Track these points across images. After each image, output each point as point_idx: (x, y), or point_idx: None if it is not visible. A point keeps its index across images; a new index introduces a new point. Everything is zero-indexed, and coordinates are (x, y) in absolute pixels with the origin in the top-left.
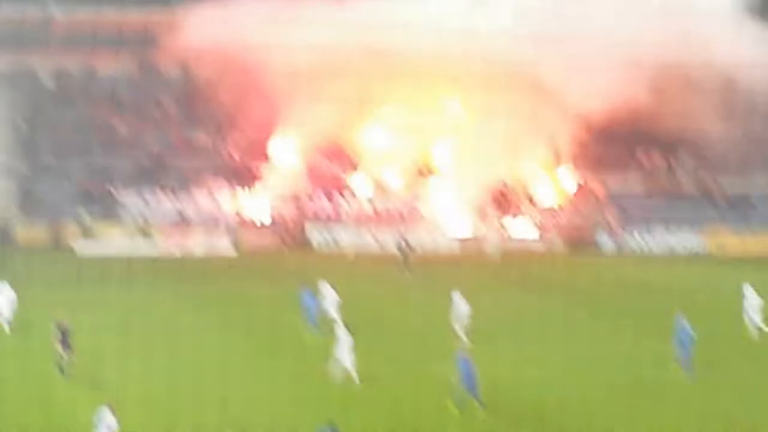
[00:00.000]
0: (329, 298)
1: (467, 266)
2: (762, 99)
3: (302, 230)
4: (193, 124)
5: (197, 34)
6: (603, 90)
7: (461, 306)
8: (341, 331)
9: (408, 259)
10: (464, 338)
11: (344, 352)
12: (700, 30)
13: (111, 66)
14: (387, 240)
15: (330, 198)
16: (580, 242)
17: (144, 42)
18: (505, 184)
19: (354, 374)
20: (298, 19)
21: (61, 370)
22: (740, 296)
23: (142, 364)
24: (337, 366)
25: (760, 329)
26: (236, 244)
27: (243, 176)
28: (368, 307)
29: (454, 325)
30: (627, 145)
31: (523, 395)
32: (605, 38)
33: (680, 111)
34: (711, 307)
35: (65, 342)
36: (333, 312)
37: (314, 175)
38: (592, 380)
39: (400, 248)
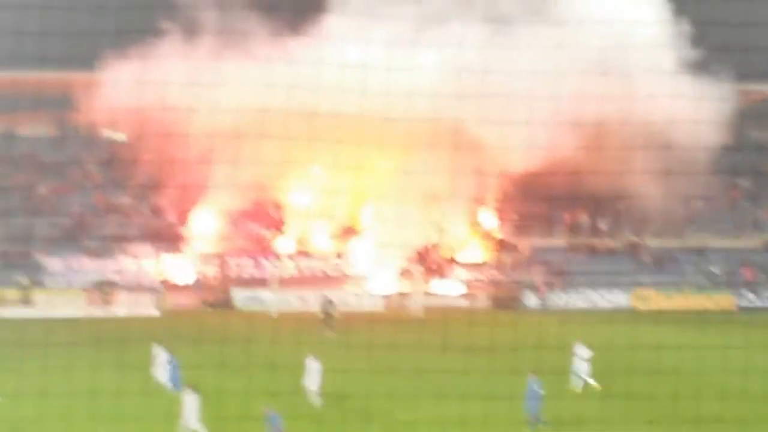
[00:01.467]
0: None
1: (390, 324)
2: (698, 156)
3: (226, 291)
4: (115, 186)
5: (116, 95)
6: (528, 147)
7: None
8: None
9: (332, 319)
10: None
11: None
12: (633, 88)
13: (31, 127)
14: (311, 300)
15: (254, 259)
16: (505, 300)
17: (64, 103)
18: (429, 243)
19: None
20: (219, 80)
21: None
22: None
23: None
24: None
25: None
26: (160, 305)
27: (166, 238)
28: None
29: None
30: (553, 203)
31: None
32: (531, 95)
33: (609, 169)
34: (628, 362)
35: None
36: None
37: (238, 236)
38: None
39: (323, 307)
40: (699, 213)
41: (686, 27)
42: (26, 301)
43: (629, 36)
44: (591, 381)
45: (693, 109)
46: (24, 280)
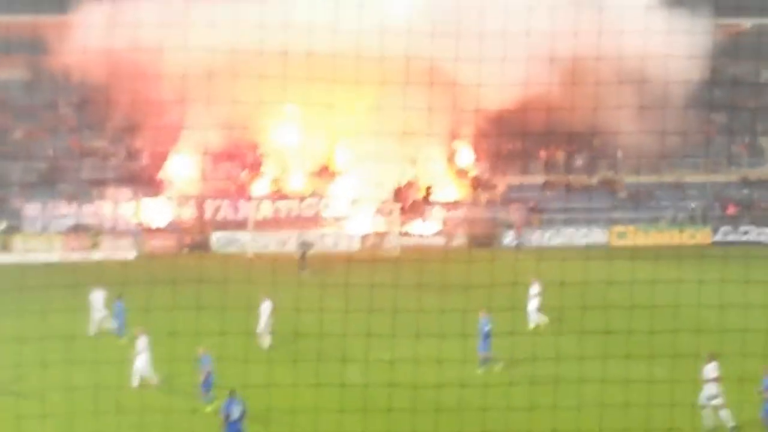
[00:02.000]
0: None
1: (366, 264)
2: (673, 91)
3: (203, 234)
4: (90, 130)
5: (88, 38)
6: (503, 84)
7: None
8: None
9: (305, 258)
10: None
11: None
12: (611, 22)
13: (3, 72)
14: (288, 241)
15: (231, 200)
16: (481, 238)
17: (35, 46)
18: (406, 182)
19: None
20: (191, 20)
21: None
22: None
23: (40, 373)
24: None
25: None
26: (136, 248)
27: (143, 181)
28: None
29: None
30: (529, 140)
31: (421, 394)
32: (507, 31)
33: (584, 105)
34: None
35: None
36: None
37: (214, 177)
38: (489, 377)
39: (299, 248)
40: (674, 148)
41: None
42: (5, 247)
43: None
44: (541, 318)
45: (668, 43)
46: (2, 224)
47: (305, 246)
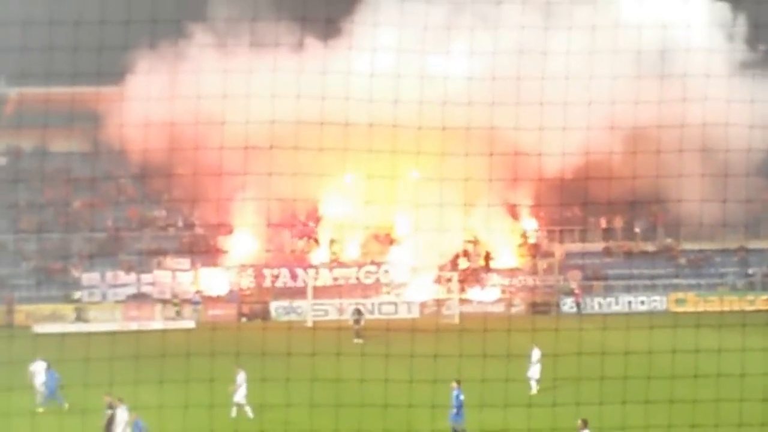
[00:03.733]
0: None
1: (426, 332)
2: (734, 158)
3: (262, 303)
4: (149, 200)
5: (146, 109)
6: (563, 152)
7: None
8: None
9: (360, 326)
10: None
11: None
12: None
13: (63, 143)
14: (347, 308)
15: (290, 269)
16: (540, 305)
17: (95, 118)
18: (465, 249)
19: None
20: (249, 91)
21: None
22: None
23: None
24: None
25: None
26: (195, 318)
27: (201, 250)
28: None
29: None
30: (589, 207)
31: None
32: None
33: (646, 173)
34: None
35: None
36: None
37: (273, 247)
38: None
39: (353, 316)
40: (735, 215)
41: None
42: (81, 318)
43: (675, 39)
44: (534, 384)
45: (730, 111)
46: (77, 295)
47: (358, 314)
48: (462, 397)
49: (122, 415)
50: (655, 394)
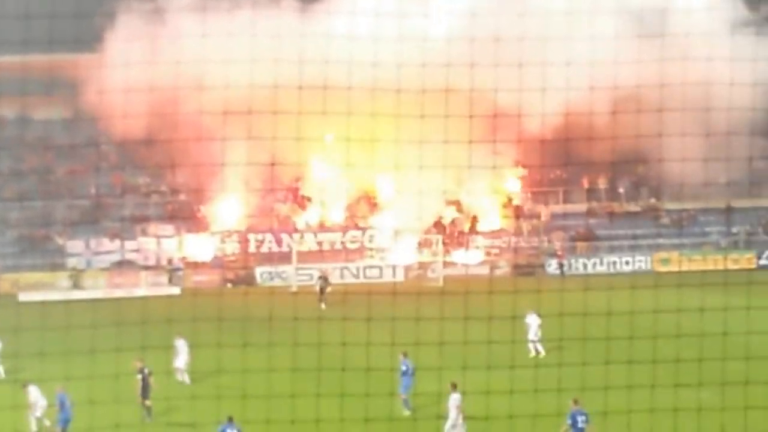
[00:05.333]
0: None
1: (410, 295)
2: (733, 118)
3: (247, 268)
4: (132, 167)
5: (127, 75)
6: (545, 113)
7: None
8: None
9: (324, 292)
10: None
11: None
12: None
13: (44, 111)
14: (332, 273)
15: (275, 235)
16: (525, 267)
17: (75, 85)
18: (448, 212)
19: None
20: (229, 57)
21: None
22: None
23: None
24: None
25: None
26: (180, 284)
27: (186, 217)
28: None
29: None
30: (572, 169)
31: (471, 427)
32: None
33: (628, 133)
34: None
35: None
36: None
37: (258, 212)
38: (539, 408)
39: (318, 282)
40: (717, 174)
41: None
42: (77, 285)
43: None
44: (539, 348)
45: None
46: (72, 263)
47: (324, 281)
48: (408, 367)
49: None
50: (638, 354)
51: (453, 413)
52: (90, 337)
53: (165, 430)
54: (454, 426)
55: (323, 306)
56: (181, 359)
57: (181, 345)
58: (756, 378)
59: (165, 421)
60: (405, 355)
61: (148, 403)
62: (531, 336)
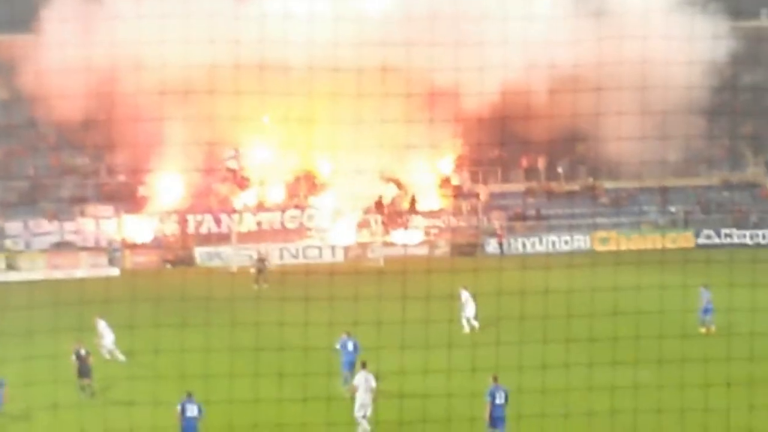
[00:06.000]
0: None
1: (350, 275)
2: (670, 98)
3: (187, 249)
4: (70, 148)
5: (63, 56)
6: (482, 92)
7: None
8: None
9: (263, 272)
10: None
11: None
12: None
13: None
14: (272, 253)
15: (213, 215)
16: (464, 247)
17: (11, 66)
18: (388, 192)
19: None
20: (165, 37)
21: None
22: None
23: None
24: None
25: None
26: (119, 265)
27: (124, 197)
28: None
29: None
30: (510, 147)
31: (408, 405)
32: (483, 39)
33: (565, 112)
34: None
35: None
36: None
37: (196, 193)
38: (477, 387)
39: (256, 263)
40: (655, 153)
41: None
42: (12, 266)
43: None
44: (473, 323)
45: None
46: (7, 244)
47: (261, 262)
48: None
49: None
50: (576, 332)
51: (361, 392)
52: (27, 318)
53: (104, 410)
54: (362, 406)
55: (262, 286)
56: (108, 339)
57: (103, 326)
58: (691, 356)
59: (103, 400)
60: (348, 334)
61: (86, 381)
62: (466, 313)
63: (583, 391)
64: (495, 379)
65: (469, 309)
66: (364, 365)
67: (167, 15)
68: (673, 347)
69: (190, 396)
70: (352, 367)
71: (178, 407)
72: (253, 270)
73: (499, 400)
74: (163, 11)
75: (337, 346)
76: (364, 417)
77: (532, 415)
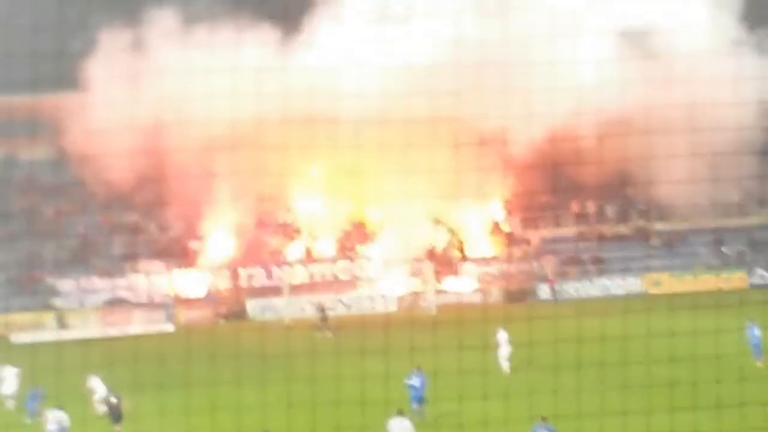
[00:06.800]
0: None
1: (403, 324)
2: (721, 139)
3: (239, 303)
4: (120, 205)
5: (109, 115)
6: (529, 139)
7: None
8: None
9: (327, 321)
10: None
11: None
12: (661, 71)
13: (29, 151)
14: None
15: (265, 269)
16: (516, 293)
17: (60, 125)
18: (438, 241)
19: None
20: (211, 93)
21: None
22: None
23: None
24: None
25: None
26: (173, 320)
27: (175, 253)
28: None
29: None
30: (561, 192)
31: None
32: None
33: (616, 156)
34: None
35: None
36: None
37: (247, 247)
38: None
39: (318, 311)
40: (706, 194)
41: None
42: (62, 325)
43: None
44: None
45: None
46: (59, 303)
47: (322, 311)
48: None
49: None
50: (633, 378)
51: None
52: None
53: None
54: None
55: (326, 335)
56: (100, 395)
57: (96, 382)
58: (751, 399)
59: None
60: (419, 368)
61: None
62: (501, 353)
63: None
64: (544, 419)
65: (503, 350)
66: (400, 412)
67: (214, 69)
68: (732, 391)
69: None
70: (420, 401)
71: None
72: (315, 319)
73: None
74: (209, 65)
75: (407, 381)
76: None
77: None
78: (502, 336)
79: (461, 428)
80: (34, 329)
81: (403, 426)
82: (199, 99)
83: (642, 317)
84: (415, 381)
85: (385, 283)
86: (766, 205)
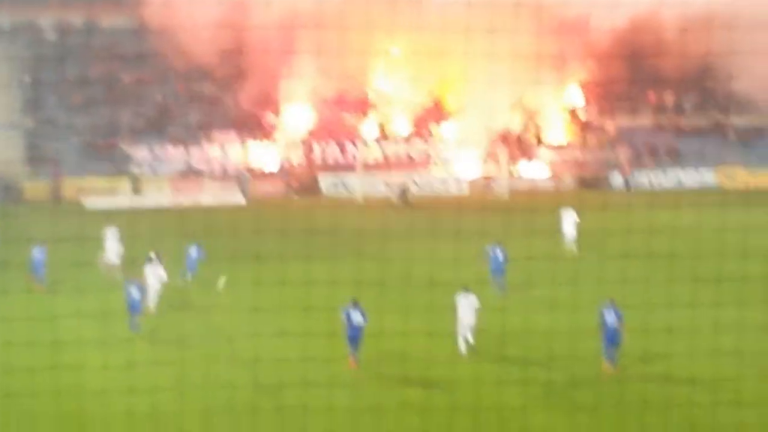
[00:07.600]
0: None
1: (475, 207)
2: None
3: (312, 178)
4: (199, 76)
5: None
6: (616, 28)
7: None
8: None
9: (407, 200)
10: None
11: None
12: None
13: (110, 19)
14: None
15: (340, 145)
16: (589, 180)
17: None
18: (514, 125)
19: None
20: None
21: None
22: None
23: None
24: None
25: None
26: (246, 194)
27: (251, 126)
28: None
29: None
30: (640, 82)
31: (533, 343)
32: None
33: (703, 49)
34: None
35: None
36: None
37: (323, 122)
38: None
39: (399, 194)
40: None
41: None
42: (137, 190)
43: None
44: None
45: None
46: (136, 169)
47: (403, 191)
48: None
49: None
50: (703, 271)
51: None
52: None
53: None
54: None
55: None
56: (112, 252)
57: (112, 236)
58: None
59: (230, 330)
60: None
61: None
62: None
63: (710, 330)
64: (612, 301)
65: (569, 230)
66: (466, 288)
67: None
68: None
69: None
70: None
71: (343, 314)
72: (396, 200)
73: (612, 323)
74: None
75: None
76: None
77: (657, 355)
78: (569, 216)
79: (529, 311)
80: (107, 194)
81: (470, 301)
82: None
83: (714, 210)
84: (499, 254)
85: (458, 165)
86: None
